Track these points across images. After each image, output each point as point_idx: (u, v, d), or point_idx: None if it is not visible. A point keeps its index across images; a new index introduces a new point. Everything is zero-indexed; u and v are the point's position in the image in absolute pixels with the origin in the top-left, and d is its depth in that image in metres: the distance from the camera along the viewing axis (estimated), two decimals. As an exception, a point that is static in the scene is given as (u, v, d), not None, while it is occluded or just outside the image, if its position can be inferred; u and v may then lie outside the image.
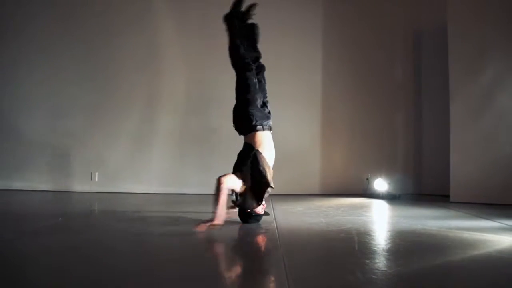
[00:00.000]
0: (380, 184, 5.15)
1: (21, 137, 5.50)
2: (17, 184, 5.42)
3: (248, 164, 3.04)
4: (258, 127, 3.18)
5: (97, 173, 5.47)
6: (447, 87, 4.84)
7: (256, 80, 3.34)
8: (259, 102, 3.27)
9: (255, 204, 3.10)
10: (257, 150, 3.09)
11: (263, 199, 3.14)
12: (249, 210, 3.13)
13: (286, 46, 5.62)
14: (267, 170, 3.06)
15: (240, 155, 3.18)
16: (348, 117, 5.70)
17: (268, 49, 5.59)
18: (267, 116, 3.29)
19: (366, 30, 5.71)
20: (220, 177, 2.95)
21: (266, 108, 3.35)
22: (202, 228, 2.79)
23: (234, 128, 3.34)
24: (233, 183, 3.00)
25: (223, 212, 2.87)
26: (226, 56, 5.48)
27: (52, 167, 5.48)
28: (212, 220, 2.83)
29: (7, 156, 5.50)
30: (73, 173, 5.48)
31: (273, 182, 3.19)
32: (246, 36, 3.49)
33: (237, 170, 3.09)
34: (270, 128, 3.28)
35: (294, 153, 5.37)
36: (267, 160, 3.10)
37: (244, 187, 3.06)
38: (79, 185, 5.43)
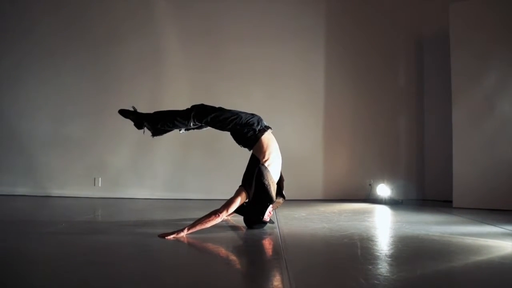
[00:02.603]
0: (383, 190, 5.16)
1: (23, 143, 5.53)
2: (21, 190, 5.45)
3: (253, 178, 3.03)
4: (260, 132, 3.20)
5: (100, 179, 5.50)
6: (449, 93, 4.86)
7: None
8: (243, 112, 3.28)
9: (255, 218, 3.12)
10: (263, 165, 3.08)
11: (267, 212, 3.16)
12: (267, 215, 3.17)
13: (289, 52, 5.67)
14: (271, 184, 3.05)
15: (247, 168, 3.18)
16: (350, 123, 5.71)
17: (271, 55, 5.68)
18: (259, 117, 3.31)
19: (368, 36, 5.74)
20: (217, 211, 2.93)
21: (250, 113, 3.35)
22: (168, 236, 2.78)
23: (242, 147, 3.32)
24: (232, 209, 3.01)
25: (190, 232, 2.84)
26: (229, 60, 5.56)
27: (55, 173, 5.50)
28: (179, 232, 2.80)
29: (10, 161, 5.53)
30: (76, 179, 5.50)
31: (283, 193, 3.28)
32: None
33: (244, 184, 3.09)
34: (268, 127, 3.30)
35: (297, 159, 5.37)
36: (271, 174, 3.10)
37: (247, 200, 3.08)
38: (82, 191, 5.45)
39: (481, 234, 3.10)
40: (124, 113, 3.47)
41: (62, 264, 2.17)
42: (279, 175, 3.26)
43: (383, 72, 5.76)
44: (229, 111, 3.28)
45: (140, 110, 5.46)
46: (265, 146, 3.16)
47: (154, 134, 3.47)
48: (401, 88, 5.80)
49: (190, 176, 5.54)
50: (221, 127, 3.31)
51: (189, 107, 3.35)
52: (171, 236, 2.77)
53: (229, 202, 2.99)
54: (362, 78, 5.72)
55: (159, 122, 3.36)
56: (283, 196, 3.34)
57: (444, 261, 2.30)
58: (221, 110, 3.29)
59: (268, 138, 3.21)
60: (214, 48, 5.64)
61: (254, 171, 3.05)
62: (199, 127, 3.44)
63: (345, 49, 5.74)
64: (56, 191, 5.46)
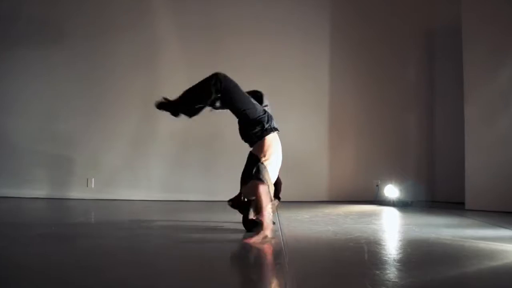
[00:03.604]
0: (391, 191, 5.13)
1: (11, 141, 5.50)
2: (8, 191, 5.41)
3: (252, 175, 3.05)
4: (267, 131, 3.20)
5: (93, 179, 5.48)
6: (461, 88, 4.82)
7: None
8: (258, 106, 3.29)
9: (252, 214, 3.12)
10: (262, 163, 3.09)
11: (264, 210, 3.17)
12: (254, 218, 3.14)
13: (291, 46, 5.65)
14: (269, 184, 3.07)
15: (246, 167, 3.19)
16: (357, 120, 5.69)
17: (272, 49, 5.66)
18: (270, 116, 3.31)
19: (375, 28, 5.71)
20: (257, 181, 2.93)
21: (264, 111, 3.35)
22: (254, 241, 2.76)
23: (244, 141, 3.32)
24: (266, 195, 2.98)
25: (270, 220, 2.83)
26: (229, 56, 5.55)
27: (45, 173, 5.49)
28: (261, 232, 2.79)
29: (-4, 161, 5.52)
30: (67, 180, 5.49)
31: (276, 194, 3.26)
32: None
33: (245, 182, 3.10)
34: (276, 129, 3.30)
35: (300, 158, 5.35)
36: (269, 175, 3.12)
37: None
38: (74, 192, 5.43)
39: (496, 237, 3.07)
40: (162, 107, 3.43)
41: (51, 270, 2.16)
42: (275, 179, 3.27)
43: (391, 66, 5.73)
44: (249, 97, 3.27)
45: (136, 106, 5.53)
46: (266, 146, 3.17)
47: (191, 115, 3.41)
48: (410, 83, 5.76)
49: (188, 176, 5.52)
50: (234, 107, 3.27)
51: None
52: (256, 240, 2.75)
53: (251, 187, 3.00)
54: (369, 72, 5.69)
55: (189, 101, 3.33)
56: (278, 198, 3.35)
57: (456, 266, 2.29)
58: (243, 92, 3.27)
59: (271, 139, 3.21)
60: (213, 43, 5.61)
61: (251, 170, 3.07)
62: (221, 105, 3.34)
63: (351, 42, 5.71)
64: (46, 192, 5.44)
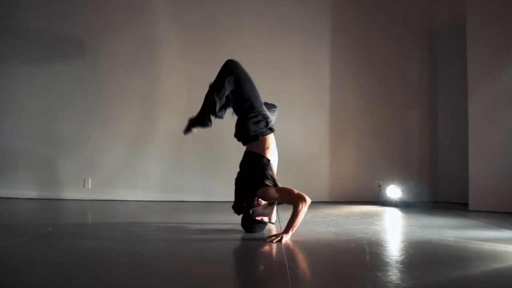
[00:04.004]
0: (393, 191, 5.13)
1: (6, 140, 5.50)
2: (3, 192, 5.40)
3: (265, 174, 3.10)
4: (268, 131, 3.22)
5: (90, 180, 5.47)
6: (465, 86, 4.82)
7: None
8: (263, 101, 3.29)
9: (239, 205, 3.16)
10: (270, 162, 3.15)
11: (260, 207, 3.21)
12: (254, 218, 3.16)
13: (292, 44, 5.64)
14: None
15: (248, 167, 3.19)
16: (358, 119, 5.68)
17: (273, 47, 5.65)
18: (269, 117, 3.31)
19: (377, 26, 5.70)
20: (305, 197, 2.98)
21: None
22: (276, 239, 2.85)
23: (238, 139, 3.31)
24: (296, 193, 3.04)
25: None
26: (229, 54, 5.51)
27: (41, 173, 5.48)
28: (285, 233, 2.90)
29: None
30: (64, 180, 5.48)
31: None
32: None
33: (261, 185, 3.09)
34: (273, 130, 3.31)
35: (301, 157, 5.35)
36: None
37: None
38: (70, 193, 5.42)
39: (500, 239, 3.07)
40: (190, 126, 3.36)
41: (49, 271, 2.16)
42: None
43: (393, 64, 5.72)
44: (257, 90, 3.27)
45: (134, 105, 5.52)
46: (267, 145, 3.20)
47: (220, 116, 3.35)
48: (412, 81, 5.75)
49: (187, 176, 5.51)
50: (242, 95, 3.24)
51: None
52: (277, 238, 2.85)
53: (289, 194, 3.04)
54: (370, 70, 5.68)
55: (214, 91, 3.27)
56: None
57: (459, 268, 2.29)
58: (254, 84, 3.28)
59: (270, 139, 3.24)
60: (212, 41, 5.60)
61: (259, 167, 3.09)
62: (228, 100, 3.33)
63: (352, 39, 5.69)
64: (42, 193, 5.43)
